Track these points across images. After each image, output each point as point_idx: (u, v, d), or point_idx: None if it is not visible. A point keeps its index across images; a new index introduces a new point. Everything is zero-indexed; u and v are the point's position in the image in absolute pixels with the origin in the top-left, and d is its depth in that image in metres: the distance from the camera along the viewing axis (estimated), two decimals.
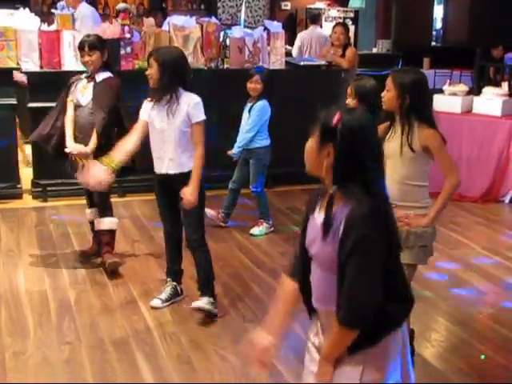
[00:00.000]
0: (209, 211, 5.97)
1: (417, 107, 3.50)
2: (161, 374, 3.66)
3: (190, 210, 4.15)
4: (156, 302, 4.43)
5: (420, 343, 3.98)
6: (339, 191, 2.18)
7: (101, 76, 4.80)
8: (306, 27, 12.36)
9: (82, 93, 4.82)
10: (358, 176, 2.15)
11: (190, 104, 4.07)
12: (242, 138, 5.77)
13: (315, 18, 9.43)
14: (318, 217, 2.26)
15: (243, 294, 4.71)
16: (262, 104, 5.73)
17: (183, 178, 4.13)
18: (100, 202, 4.96)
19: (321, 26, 9.42)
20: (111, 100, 4.77)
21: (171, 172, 4.19)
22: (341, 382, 2.26)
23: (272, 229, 5.97)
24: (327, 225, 2.18)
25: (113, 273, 4.89)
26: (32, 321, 4.21)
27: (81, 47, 4.79)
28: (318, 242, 2.23)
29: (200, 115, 4.11)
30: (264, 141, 5.84)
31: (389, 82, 3.58)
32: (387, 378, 2.22)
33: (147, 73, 4.12)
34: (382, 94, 3.59)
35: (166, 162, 4.18)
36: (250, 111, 5.75)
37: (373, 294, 2.11)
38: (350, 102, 4.11)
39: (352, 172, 2.15)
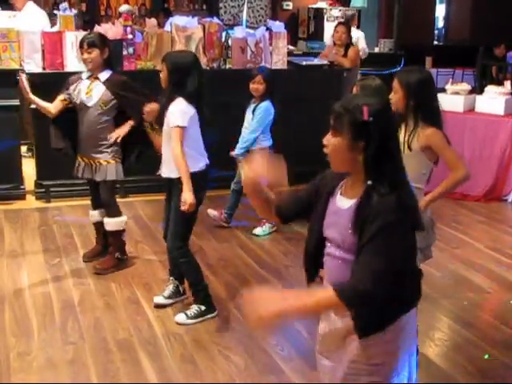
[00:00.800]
0: (212, 212, 5.99)
1: (423, 107, 3.51)
2: (165, 374, 3.67)
3: (175, 217, 4.13)
4: (158, 299, 4.45)
5: (423, 342, 3.98)
6: (372, 182, 2.16)
7: (104, 75, 4.77)
8: (308, 27, 12.42)
9: (88, 94, 4.77)
10: (389, 167, 2.15)
11: (171, 109, 4.05)
12: (246, 138, 5.76)
13: (349, 19, 9.55)
14: (343, 203, 2.24)
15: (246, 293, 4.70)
16: (266, 105, 5.72)
17: (172, 183, 4.15)
18: (106, 202, 4.96)
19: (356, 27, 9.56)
20: (139, 96, 4.75)
21: (164, 175, 4.21)
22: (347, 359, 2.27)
23: (275, 228, 5.97)
24: (358, 217, 2.15)
25: (96, 273, 4.95)
26: (36, 321, 4.22)
27: (81, 45, 4.77)
28: (342, 228, 2.20)
29: (176, 121, 4.02)
30: (266, 141, 5.83)
31: (395, 84, 3.58)
32: (396, 363, 2.23)
33: (160, 76, 4.15)
34: (390, 96, 3.59)
35: (162, 164, 4.23)
36: (253, 112, 5.74)
37: (382, 285, 2.07)
38: None
39: (385, 163, 2.14)
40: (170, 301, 4.45)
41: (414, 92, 3.50)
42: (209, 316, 4.29)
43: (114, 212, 4.98)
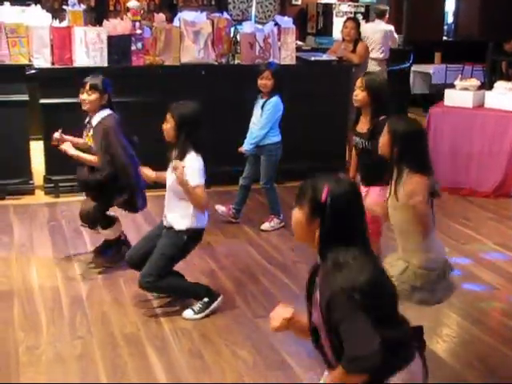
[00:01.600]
0: (219, 207, 5.99)
1: (406, 156, 3.42)
2: (172, 369, 3.67)
3: (157, 256, 4.14)
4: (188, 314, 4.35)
5: (432, 338, 3.98)
6: (323, 261, 2.29)
7: (96, 118, 4.74)
8: (317, 22, 12.38)
9: (90, 141, 4.83)
10: (339, 247, 2.23)
11: (189, 167, 4.03)
12: (255, 134, 5.75)
13: (382, 13, 9.53)
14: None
15: (254, 289, 4.72)
16: (276, 100, 5.70)
17: (169, 233, 4.19)
18: (88, 216, 4.93)
19: (386, 22, 9.55)
20: (108, 150, 4.69)
21: (166, 224, 4.25)
22: None
23: (283, 224, 5.96)
24: (308, 293, 2.36)
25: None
26: (44, 316, 4.24)
27: (82, 84, 4.72)
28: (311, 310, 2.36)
29: (194, 180, 4.04)
30: (275, 137, 5.83)
31: (386, 127, 3.54)
32: None
33: (163, 127, 4.13)
34: (380, 140, 3.57)
35: (164, 216, 4.26)
36: (262, 107, 5.72)
37: (369, 344, 2.13)
38: (359, 93, 4.11)
39: (335, 243, 2.24)
40: (201, 315, 4.31)
41: (398, 141, 3.43)
42: (215, 304, 4.30)
43: (105, 223, 4.97)
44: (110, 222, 5.01)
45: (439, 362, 3.81)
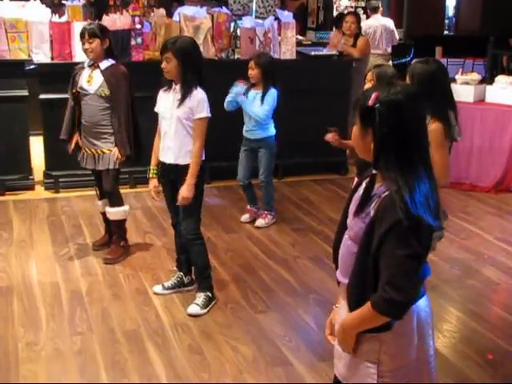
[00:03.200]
0: (245, 218, 5.93)
1: (425, 100, 3.45)
2: (172, 365, 3.67)
3: (185, 208, 4.16)
4: (157, 288, 4.52)
5: None
6: (379, 173, 2.15)
7: (105, 64, 4.80)
8: (318, 17, 12.36)
9: (89, 82, 4.82)
10: (399, 159, 2.09)
11: (195, 99, 4.06)
12: (253, 110, 5.62)
13: (375, 8, 9.62)
14: (360, 191, 2.26)
15: (254, 284, 4.71)
16: (275, 92, 5.66)
17: (179, 170, 4.15)
18: (109, 191, 4.99)
19: (381, 14, 9.65)
20: (128, 96, 4.79)
21: (168, 161, 4.21)
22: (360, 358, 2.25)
23: (274, 220, 5.95)
24: (362, 203, 2.18)
25: (106, 263, 4.99)
26: (44, 312, 4.23)
27: (81, 35, 4.80)
28: (352, 214, 2.24)
29: (203, 112, 4.09)
30: (273, 130, 5.80)
31: (408, 73, 3.57)
32: (405, 356, 2.22)
33: (163, 66, 4.09)
34: None
35: (165, 151, 4.21)
36: (262, 99, 5.65)
37: (416, 287, 2.09)
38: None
39: (394, 156, 2.09)
40: (170, 291, 4.49)
41: (416, 83, 3.46)
42: (214, 302, 4.33)
43: (117, 201, 5.02)
44: (122, 200, 5.04)
45: (439, 358, 3.78)
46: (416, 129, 2.15)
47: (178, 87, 4.10)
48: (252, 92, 5.68)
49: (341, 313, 2.35)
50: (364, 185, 2.27)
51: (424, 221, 2.05)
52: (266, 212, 5.92)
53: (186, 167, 4.11)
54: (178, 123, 4.12)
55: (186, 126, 4.11)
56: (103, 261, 5.00)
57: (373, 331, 2.19)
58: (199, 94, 4.08)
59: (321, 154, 7.31)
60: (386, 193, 2.10)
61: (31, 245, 5.33)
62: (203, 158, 4.20)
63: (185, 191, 4.07)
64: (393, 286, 2.06)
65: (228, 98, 5.60)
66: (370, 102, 2.10)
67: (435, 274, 4.71)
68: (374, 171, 2.17)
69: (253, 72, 5.59)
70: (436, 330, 4.09)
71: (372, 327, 2.18)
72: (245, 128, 5.81)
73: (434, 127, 3.46)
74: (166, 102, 4.15)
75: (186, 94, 4.06)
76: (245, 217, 5.97)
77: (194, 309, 4.25)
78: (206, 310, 4.25)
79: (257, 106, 5.65)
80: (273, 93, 5.64)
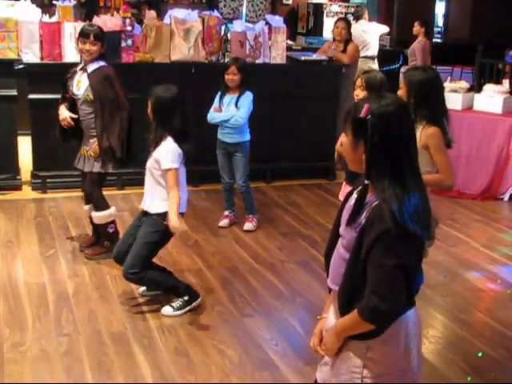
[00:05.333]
0: (222, 223, 5.91)
1: (423, 106, 3.51)
2: (158, 367, 3.66)
3: (139, 245, 4.12)
4: (142, 289, 4.51)
5: None
6: (371, 183, 2.18)
7: (92, 67, 4.78)
8: (308, 23, 12.39)
9: (77, 86, 4.83)
10: (390, 170, 2.11)
11: (161, 149, 4.02)
12: (231, 117, 5.59)
13: (360, 15, 9.69)
14: (353, 199, 2.28)
15: (241, 287, 4.71)
16: (251, 95, 5.65)
17: (147, 216, 4.16)
18: (92, 195, 5.00)
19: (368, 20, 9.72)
20: (113, 98, 4.76)
21: (144, 208, 4.20)
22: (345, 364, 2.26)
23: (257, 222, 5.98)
24: (354, 213, 2.19)
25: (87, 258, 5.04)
26: (30, 312, 4.21)
27: (85, 35, 4.73)
28: (345, 223, 2.25)
29: (167, 163, 4.00)
30: (249, 134, 5.79)
31: (402, 79, 3.62)
32: (391, 362, 2.23)
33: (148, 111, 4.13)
34: (398, 92, 3.62)
35: (144, 199, 4.22)
36: (237, 103, 5.63)
37: (401, 297, 2.10)
38: (360, 93, 4.12)
39: (385, 166, 2.12)
40: (154, 292, 4.48)
41: (414, 90, 3.51)
42: (194, 304, 4.30)
43: (99, 205, 5.01)
44: (105, 204, 5.03)
45: (425, 363, 3.82)
46: (406, 140, 2.18)
47: (151, 139, 4.10)
48: (228, 97, 5.66)
49: (329, 319, 2.36)
50: (355, 195, 2.29)
51: (412, 231, 2.06)
52: (251, 216, 5.92)
53: (153, 216, 4.11)
54: (148, 172, 4.15)
55: (156, 176, 4.09)
56: (84, 255, 5.05)
57: (361, 337, 2.20)
58: (167, 144, 4.02)
59: (309, 158, 7.34)
60: (376, 202, 2.12)
61: (18, 245, 5.30)
62: (183, 211, 4.14)
63: (173, 220, 3.94)
64: (378, 295, 2.08)
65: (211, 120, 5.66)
66: (362, 114, 2.12)
67: None
68: (366, 181, 2.20)
69: (235, 77, 5.57)
70: (422, 336, 4.11)
71: (360, 332, 2.19)
72: (221, 131, 5.75)
73: (431, 131, 3.49)
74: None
75: (154, 143, 4.05)
76: (224, 222, 5.94)
77: (167, 310, 4.26)
78: (179, 312, 4.23)
79: (231, 110, 5.63)
80: (249, 95, 5.64)
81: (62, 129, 4.98)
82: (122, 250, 4.25)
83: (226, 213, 5.97)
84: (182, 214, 4.13)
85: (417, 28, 10.55)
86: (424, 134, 3.50)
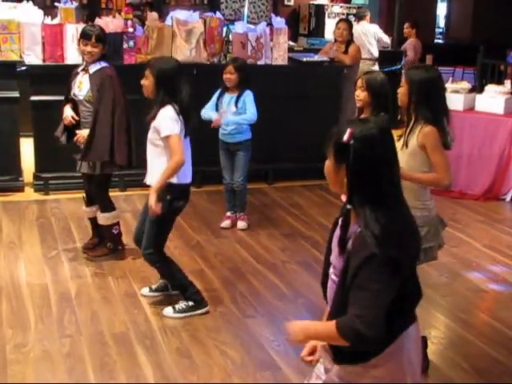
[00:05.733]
0: (225, 223, 5.92)
1: (423, 105, 3.51)
2: (160, 368, 3.67)
3: (149, 224, 4.11)
4: (144, 290, 4.54)
5: None
6: (354, 209, 2.17)
7: (94, 68, 4.77)
8: (309, 24, 12.40)
9: (79, 87, 4.84)
10: (372, 195, 2.12)
11: (160, 117, 4.00)
12: (246, 117, 5.64)
13: (361, 17, 9.95)
14: (338, 230, 2.28)
15: (243, 288, 4.72)
16: (252, 94, 5.67)
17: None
18: (98, 197, 5.00)
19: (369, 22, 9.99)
20: (113, 100, 4.74)
21: (147, 183, 4.16)
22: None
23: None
24: (341, 242, 2.20)
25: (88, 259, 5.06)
26: (33, 313, 4.22)
27: (87, 37, 4.72)
28: (335, 253, 2.25)
29: (167, 130, 3.97)
30: (250, 133, 5.81)
31: (403, 78, 3.63)
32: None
33: (142, 82, 4.09)
34: (398, 90, 3.62)
35: (147, 173, 4.20)
36: (236, 103, 5.66)
37: (382, 323, 2.08)
38: (360, 93, 4.13)
39: (366, 191, 2.12)
40: (156, 294, 4.50)
41: (415, 89, 3.51)
42: (198, 312, 4.27)
43: (105, 206, 5.01)
44: (112, 205, 5.04)
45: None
46: (389, 161, 2.18)
47: (154, 109, 4.08)
48: (227, 96, 5.69)
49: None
50: (341, 223, 2.28)
51: (395, 255, 2.07)
52: (242, 214, 5.95)
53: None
54: (149, 143, 4.13)
55: (156, 146, 4.07)
56: (86, 256, 5.06)
57: (361, 360, 2.20)
58: (165, 112, 3.99)
59: (310, 159, 7.32)
60: (359, 230, 2.12)
61: (20, 246, 5.32)
62: (187, 182, 4.14)
63: (151, 200, 3.93)
64: (363, 321, 2.07)
65: (205, 116, 5.65)
66: (345, 139, 2.11)
67: (424, 280, 4.70)
68: (348, 206, 2.18)
69: (232, 76, 5.61)
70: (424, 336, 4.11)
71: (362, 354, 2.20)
72: (222, 131, 5.78)
73: (428, 130, 3.49)
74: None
75: (156, 112, 4.02)
76: (226, 223, 5.95)
77: (168, 311, 4.27)
78: (179, 315, 4.23)
79: (232, 109, 5.66)
80: (249, 94, 5.66)
81: (65, 129, 4.97)
82: (139, 232, 4.28)
83: (228, 214, 5.98)
84: (187, 186, 4.14)
85: (408, 29, 10.71)
86: (421, 133, 3.49)
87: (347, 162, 2.12)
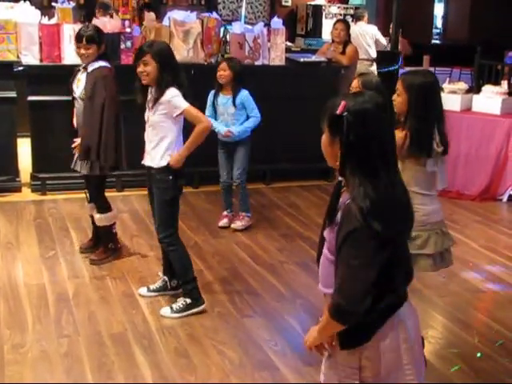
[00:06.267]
0: (222, 223, 5.92)
1: (422, 110, 3.49)
2: (158, 368, 3.67)
3: (160, 208, 4.19)
4: (142, 290, 4.54)
5: None
6: (345, 181, 2.18)
7: (92, 66, 4.77)
8: (307, 24, 12.40)
9: (77, 84, 4.84)
10: (363, 168, 2.12)
11: (166, 99, 4.06)
12: (252, 121, 5.70)
13: (359, 17, 10.03)
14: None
15: (241, 288, 4.72)
16: (247, 92, 5.70)
17: (152, 174, 4.20)
18: (93, 197, 4.99)
19: (366, 22, 10.09)
20: (105, 98, 4.72)
21: (147, 164, 4.25)
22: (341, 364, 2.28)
23: (251, 222, 5.97)
24: (331, 214, 2.21)
25: (91, 264, 5.02)
26: (30, 314, 4.22)
27: (78, 39, 4.74)
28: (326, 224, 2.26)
29: (180, 106, 4.06)
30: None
31: (399, 86, 3.55)
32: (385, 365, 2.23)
33: (140, 70, 4.09)
34: (393, 98, 3.58)
35: (146, 155, 4.26)
36: (234, 103, 5.68)
37: (363, 298, 2.10)
38: None
39: (357, 164, 2.12)
40: (154, 294, 4.51)
41: (415, 95, 3.48)
42: (195, 310, 4.28)
43: (102, 207, 5.01)
44: (107, 206, 5.03)
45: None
46: (382, 138, 2.17)
47: (153, 89, 4.12)
48: (222, 98, 5.72)
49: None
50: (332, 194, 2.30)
51: (379, 229, 2.06)
52: (242, 214, 5.94)
53: (158, 171, 4.15)
54: (152, 126, 4.17)
55: (161, 128, 4.14)
56: (89, 261, 5.01)
57: (353, 344, 2.22)
58: (170, 92, 4.06)
59: (308, 160, 7.34)
60: (348, 201, 2.13)
61: (17, 246, 5.31)
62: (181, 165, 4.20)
63: (177, 157, 4.10)
64: (341, 294, 2.11)
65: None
66: (338, 111, 2.12)
67: (421, 280, 4.74)
68: (339, 178, 2.20)
69: (225, 73, 5.63)
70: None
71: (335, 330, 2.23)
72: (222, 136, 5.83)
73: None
74: (147, 115, 4.20)
75: (161, 94, 4.06)
76: (223, 222, 5.96)
77: (165, 311, 4.28)
78: (177, 315, 4.24)
79: (231, 110, 5.70)
80: (247, 94, 5.69)
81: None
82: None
83: (225, 213, 5.99)
84: (182, 167, 4.19)
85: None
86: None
87: (340, 135, 2.13)
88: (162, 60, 4.06)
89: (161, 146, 4.15)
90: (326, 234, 2.28)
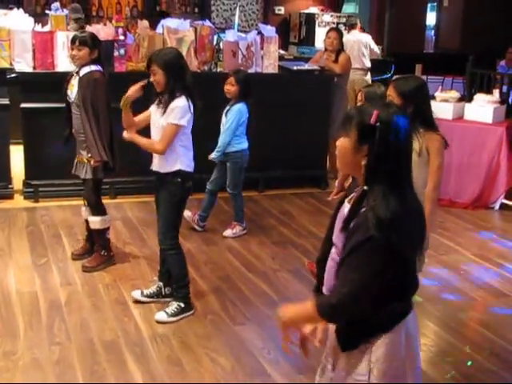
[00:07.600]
0: (187, 213, 5.91)
1: (421, 113, 3.53)
2: (150, 376, 3.66)
3: (165, 210, 4.23)
4: (136, 294, 4.55)
5: None
6: (368, 190, 2.18)
7: (84, 70, 4.78)
8: (300, 32, 12.45)
9: (71, 90, 4.85)
10: (387, 177, 2.13)
11: (172, 106, 4.11)
12: (220, 143, 5.77)
13: (352, 25, 10.15)
14: (345, 207, 2.28)
15: (233, 296, 4.72)
16: (238, 107, 5.71)
17: (159, 178, 4.24)
18: (91, 201, 5.00)
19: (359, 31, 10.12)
20: (96, 102, 4.75)
21: (153, 169, 4.29)
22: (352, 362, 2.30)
23: (245, 231, 5.98)
24: (349, 220, 2.19)
25: (84, 271, 5.00)
26: (22, 321, 4.20)
27: (72, 41, 4.80)
28: (337, 231, 2.27)
29: (175, 119, 4.10)
30: (241, 144, 5.81)
31: (391, 92, 3.59)
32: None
33: (152, 79, 4.16)
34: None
35: (153, 160, 4.30)
36: (226, 114, 5.74)
37: (357, 301, 2.13)
38: None
39: (384, 174, 2.13)
40: (148, 299, 4.51)
41: (411, 99, 3.52)
42: (187, 314, 4.33)
43: (97, 210, 5.01)
44: (103, 210, 5.04)
45: None
46: (408, 150, 2.22)
47: (164, 97, 4.15)
48: (227, 108, 5.78)
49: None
50: (347, 203, 2.29)
51: (394, 241, 2.08)
52: (234, 222, 5.95)
53: (165, 176, 4.20)
54: (158, 129, 4.20)
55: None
56: (82, 268, 5.00)
57: (364, 339, 2.24)
58: (178, 102, 4.11)
59: (301, 167, 7.36)
60: (363, 209, 2.14)
61: (9, 254, 5.29)
62: (192, 170, 4.27)
63: (129, 136, 4.23)
64: (339, 296, 2.14)
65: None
66: (372, 120, 2.13)
67: None
68: (365, 187, 2.18)
69: (232, 88, 5.66)
70: None
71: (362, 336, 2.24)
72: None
73: (435, 136, 3.52)
74: (155, 113, 4.22)
75: (169, 101, 4.11)
76: (186, 212, 5.83)
77: (160, 315, 4.28)
78: (173, 319, 4.26)
79: (223, 120, 5.79)
80: (235, 108, 5.72)
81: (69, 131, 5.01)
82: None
83: (196, 211, 6.04)
84: (191, 174, 4.26)
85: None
86: (426, 138, 3.53)
87: (370, 144, 2.13)
88: (169, 68, 4.11)
89: (168, 152, 4.18)
90: (336, 239, 2.29)
